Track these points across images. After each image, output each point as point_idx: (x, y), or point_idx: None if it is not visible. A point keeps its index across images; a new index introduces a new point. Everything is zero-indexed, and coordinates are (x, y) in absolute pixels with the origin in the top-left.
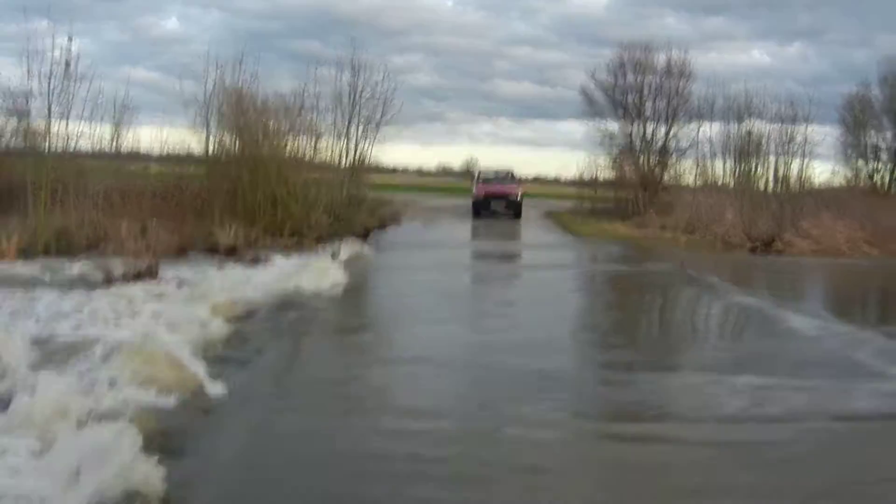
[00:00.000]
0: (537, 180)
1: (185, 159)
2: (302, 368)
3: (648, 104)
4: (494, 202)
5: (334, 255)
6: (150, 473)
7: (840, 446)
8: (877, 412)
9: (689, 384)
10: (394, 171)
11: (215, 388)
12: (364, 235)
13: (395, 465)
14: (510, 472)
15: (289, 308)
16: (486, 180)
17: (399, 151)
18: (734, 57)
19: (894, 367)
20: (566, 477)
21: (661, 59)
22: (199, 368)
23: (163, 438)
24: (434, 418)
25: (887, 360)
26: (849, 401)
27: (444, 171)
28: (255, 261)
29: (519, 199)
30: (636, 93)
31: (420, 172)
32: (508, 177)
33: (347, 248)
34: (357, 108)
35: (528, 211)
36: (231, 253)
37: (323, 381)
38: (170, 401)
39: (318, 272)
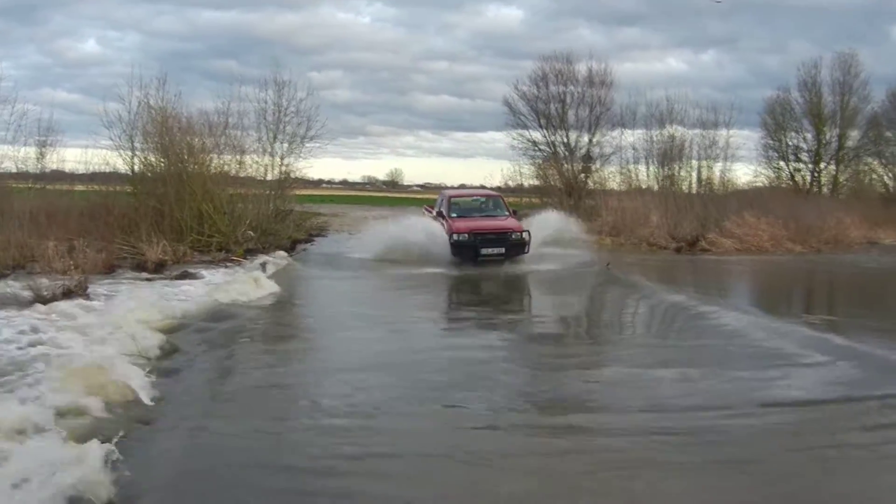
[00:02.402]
0: (462, 188)
1: (111, 178)
2: (235, 376)
3: (571, 113)
4: (487, 247)
5: (263, 268)
6: (98, 481)
7: (766, 431)
8: (802, 398)
9: (619, 378)
10: (319, 183)
11: (151, 397)
12: (291, 248)
13: (328, 462)
14: (439, 461)
15: (219, 319)
16: (464, 210)
17: (324, 165)
18: (650, 66)
19: (818, 355)
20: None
21: (582, 69)
22: (135, 379)
23: (103, 447)
24: (365, 417)
25: (811, 349)
26: (774, 388)
27: (370, 182)
28: (185, 276)
29: (526, 238)
30: (559, 102)
31: (346, 184)
32: (493, 203)
33: (275, 261)
34: (281, 124)
35: None
36: (160, 269)
37: (255, 388)
38: (108, 411)
39: (246, 284)
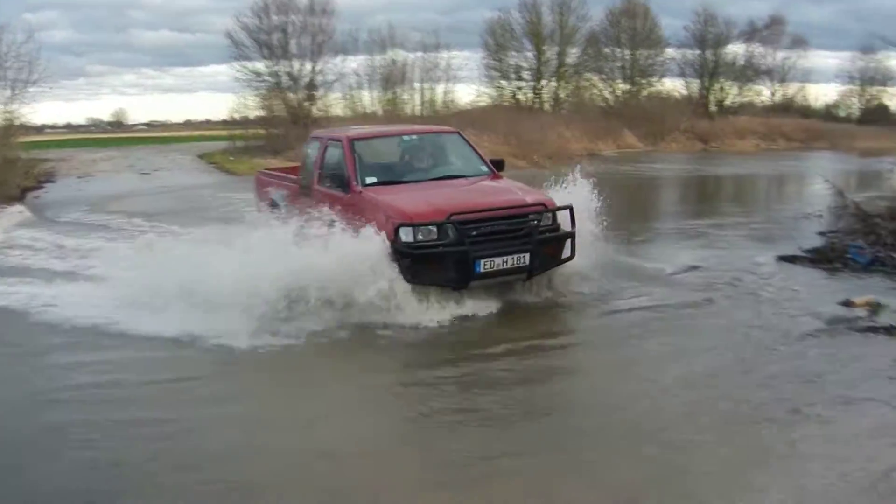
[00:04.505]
0: (188, 124)
1: None
2: None
3: (293, 42)
4: (487, 252)
5: None
6: None
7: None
8: None
9: None
10: (42, 128)
11: None
12: (20, 197)
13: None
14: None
15: None
16: (393, 169)
17: (45, 109)
18: None
19: None
20: None
21: None
22: None
23: None
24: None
25: None
26: None
27: (95, 124)
28: None
29: (567, 223)
30: (281, 32)
31: (70, 127)
32: (445, 145)
33: (9, 212)
34: (1, 70)
35: (182, 156)
36: None
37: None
38: None
39: None
